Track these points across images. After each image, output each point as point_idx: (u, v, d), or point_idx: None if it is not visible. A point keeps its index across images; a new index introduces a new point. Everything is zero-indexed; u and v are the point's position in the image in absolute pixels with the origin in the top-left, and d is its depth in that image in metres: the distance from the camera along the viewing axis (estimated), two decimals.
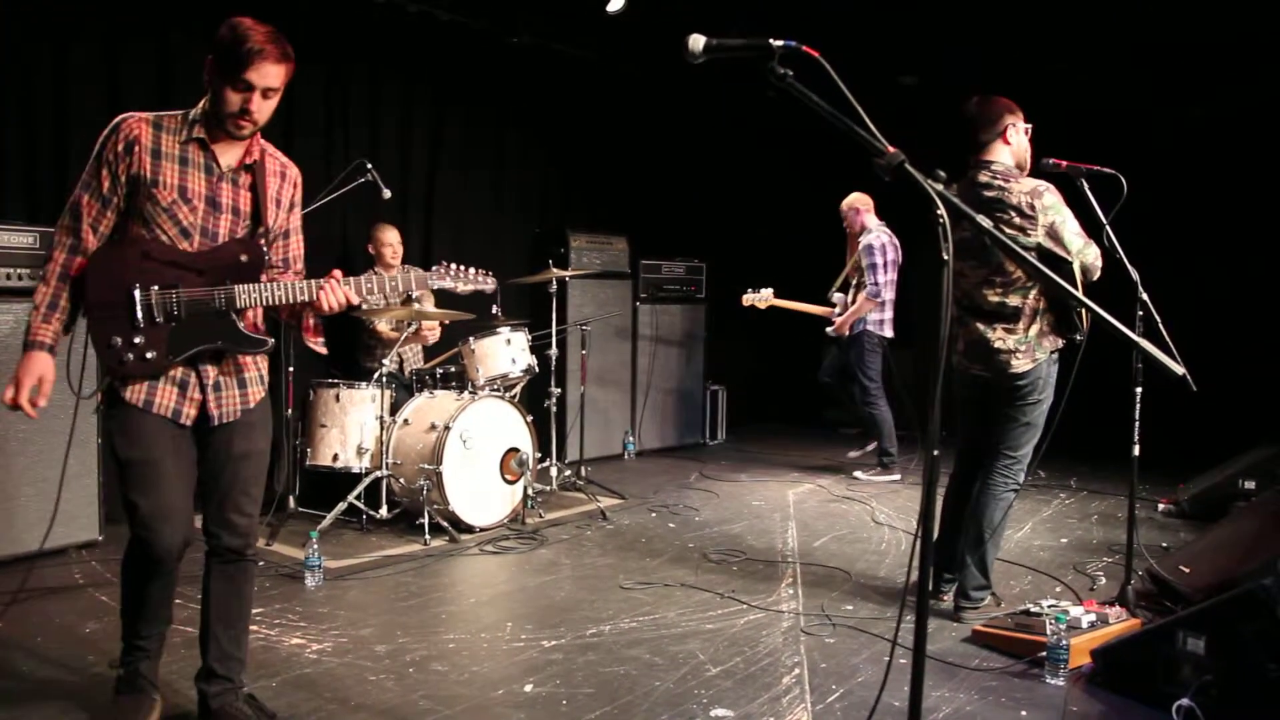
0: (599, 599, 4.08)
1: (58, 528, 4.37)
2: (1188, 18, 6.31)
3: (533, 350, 5.62)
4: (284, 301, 2.68)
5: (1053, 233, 3.63)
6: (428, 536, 4.83)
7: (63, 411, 4.37)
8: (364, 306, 5.03)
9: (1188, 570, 3.92)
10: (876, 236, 6.65)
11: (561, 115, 7.52)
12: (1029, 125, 3.84)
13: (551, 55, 7.18)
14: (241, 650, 2.85)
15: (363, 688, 3.12)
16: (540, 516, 5.37)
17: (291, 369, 5.18)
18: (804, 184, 8.69)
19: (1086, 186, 3.83)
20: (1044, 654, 3.30)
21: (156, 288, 2.57)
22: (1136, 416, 3.84)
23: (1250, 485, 5.35)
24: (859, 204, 6.84)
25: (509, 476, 5.22)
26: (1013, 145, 3.79)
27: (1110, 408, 4.48)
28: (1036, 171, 3.87)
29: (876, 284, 6.58)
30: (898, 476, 6.77)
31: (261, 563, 4.46)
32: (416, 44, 6.52)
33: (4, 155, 4.84)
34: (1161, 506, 5.76)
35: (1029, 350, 3.73)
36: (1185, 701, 2.83)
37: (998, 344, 3.75)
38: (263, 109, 2.59)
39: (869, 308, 6.66)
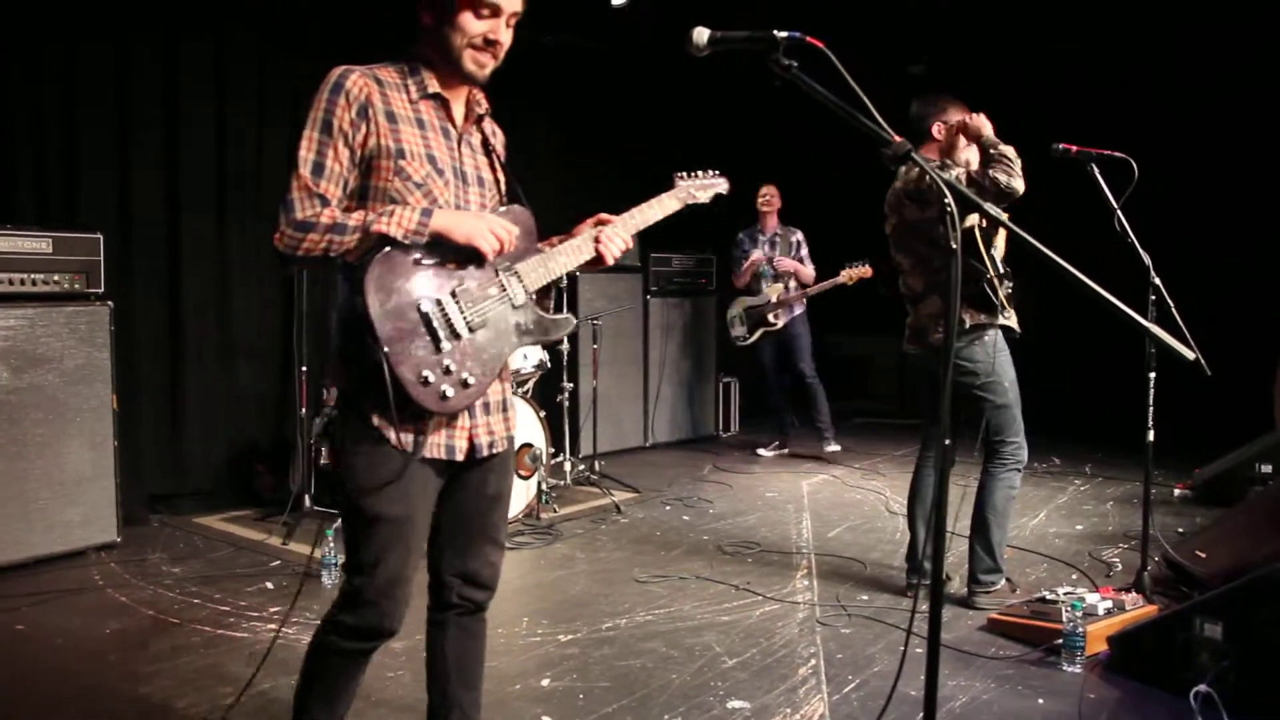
0: (614, 593, 4.09)
1: (76, 530, 4.43)
2: None
3: (544, 345, 5.63)
4: (568, 270, 2.28)
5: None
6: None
7: (78, 415, 4.42)
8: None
9: (1204, 555, 3.90)
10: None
11: (568, 108, 7.52)
12: (963, 118, 3.80)
13: (559, 47, 7.17)
14: (480, 714, 2.45)
15: (380, 684, 3.14)
16: (554, 511, 5.38)
17: (305, 368, 5.20)
18: (813, 173, 8.67)
19: (1097, 171, 3.81)
20: (1060, 641, 3.29)
21: (448, 295, 2.07)
22: (1151, 402, 3.83)
23: (1267, 469, 5.32)
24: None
25: (523, 472, 5.23)
26: (939, 140, 3.87)
27: (1125, 393, 4.46)
28: (1046, 157, 3.87)
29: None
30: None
31: (278, 561, 4.50)
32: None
33: (14, 158, 4.86)
34: (1177, 492, 5.74)
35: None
36: (1203, 687, 2.82)
37: (924, 321, 3.88)
38: (506, 40, 2.12)
39: None
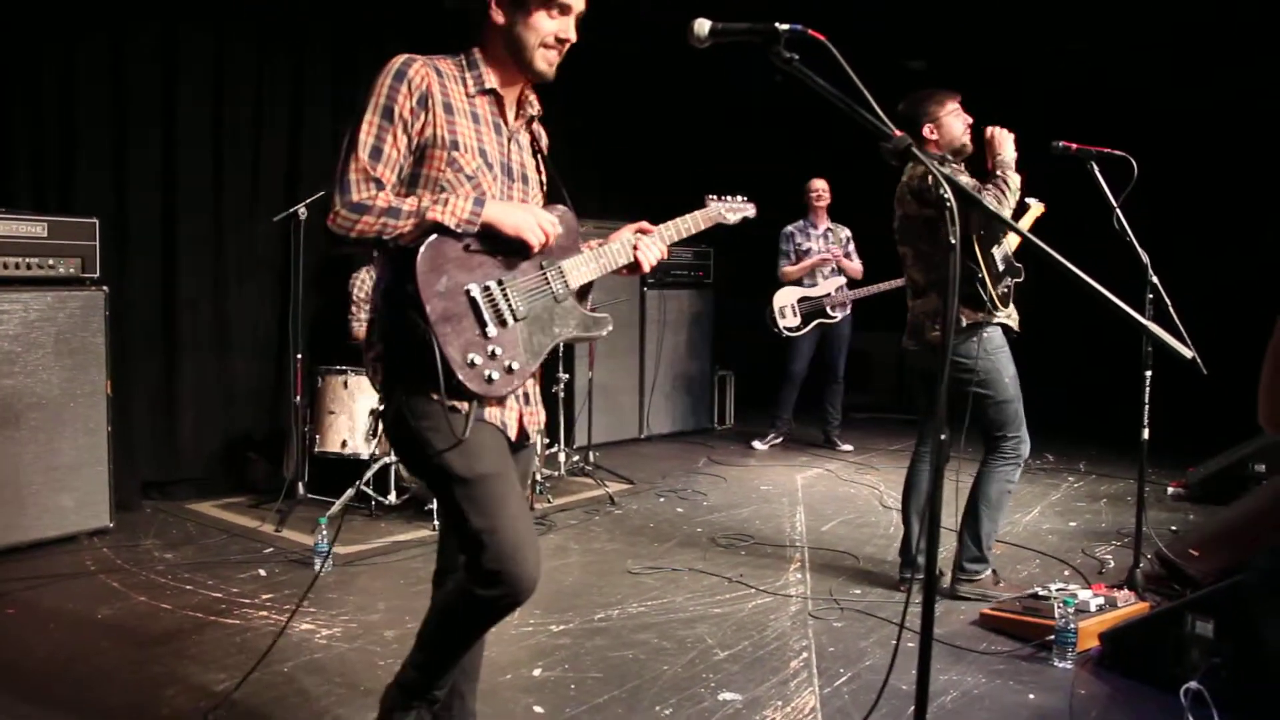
0: (607, 584, 4.10)
1: (69, 515, 4.42)
2: None
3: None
4: (607, 271, 2.35)
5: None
6: (436, 522, 4.84)
7: (72, 400, 4.41)
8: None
9: (1197, 553, 3.91)
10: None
11: (567, 100, 7.48)
12: (955, 107, 3.83)
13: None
14: (476, 702, 2.53)
15: (372, 672, 3.14)
16: (549, 502, 5.38)
17: (300, 355, 5.19)
18: (810, 168, 8.66)
19: (1096, 169, 3.82)
20: (1052, 637, 3.30)
21: (494, 282, 2.13)
22: (1146, 400, 3.84)
23: (1260, 468, 5.32)
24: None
25: None
26: (936, 138, 3.85)
27: (1120, 391, 4.47)
28: (1046, 155, 3.87)
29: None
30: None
31: (270, 549, 4.50)
32: (428, 29, 6.49)
33: (12, 145, 4.83)
34: (1171, 490, 5.74)
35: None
36: (1193, 684, 2.83)
37: (920, 318, 3.88)
38: (574, 39, 2.20)
39: None
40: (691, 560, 4.43)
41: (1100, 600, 3.52)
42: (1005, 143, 3.77)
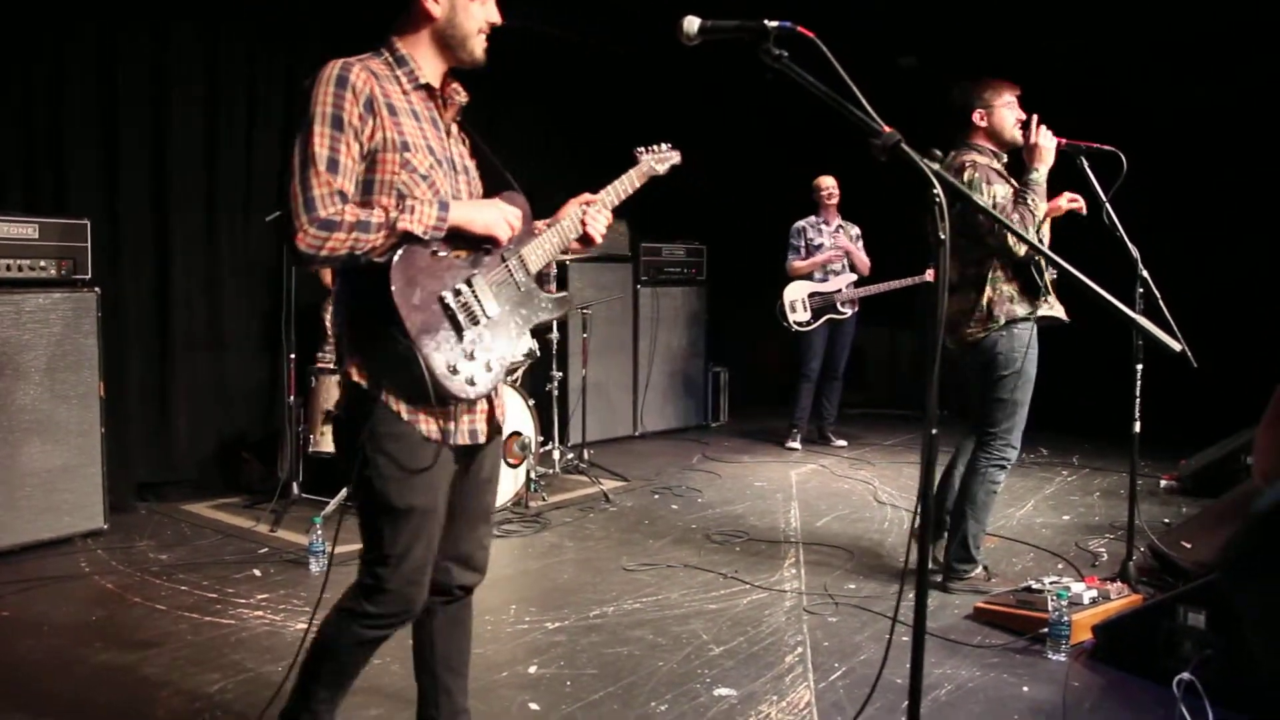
0: (602, 581, 4.10)
1: (63, 517, 4.41)
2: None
3: (533, 334, 5.61)
4: (562, 250, 2.36)
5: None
6: None
7: (65, 403, 4.40)
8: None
9: (1189, 546, 3.93)
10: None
11: (558, 98, 7.49)
12: (1011, 99, 3.84)
13: (548, 39, 7.14)
14: (468, 698, 2.49)
15: (368, 671, 3.09)
16: (543, 500, 5.38)
17: (293, 356, 5.18)
18: (804, 165, 8.67)
19: (1086, 164, 3.82)
20: (1045, 630, 3.31)
21: (464, 283, 2.11)
22: (1138, 393, 3.85)
23: (1252, 461, 5.34)
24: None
25: (511, 460, 5.23)
26: (985, 125, 3.83)
27: (1112, 384, 4.48)
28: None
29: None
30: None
31: (265, 549, 4.49)
32: None
33: (2, 146, 4.81)
34: (1164, 483, 5.76)
35: (982, 320, 3.77)
36: (1186, 676, 2.84)
37: (955, 315, 3.83)
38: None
39: None
40: (686, 556, 4.44)
41: (1093, 593, 3.53)
42: (1045, 156, 3.70)
